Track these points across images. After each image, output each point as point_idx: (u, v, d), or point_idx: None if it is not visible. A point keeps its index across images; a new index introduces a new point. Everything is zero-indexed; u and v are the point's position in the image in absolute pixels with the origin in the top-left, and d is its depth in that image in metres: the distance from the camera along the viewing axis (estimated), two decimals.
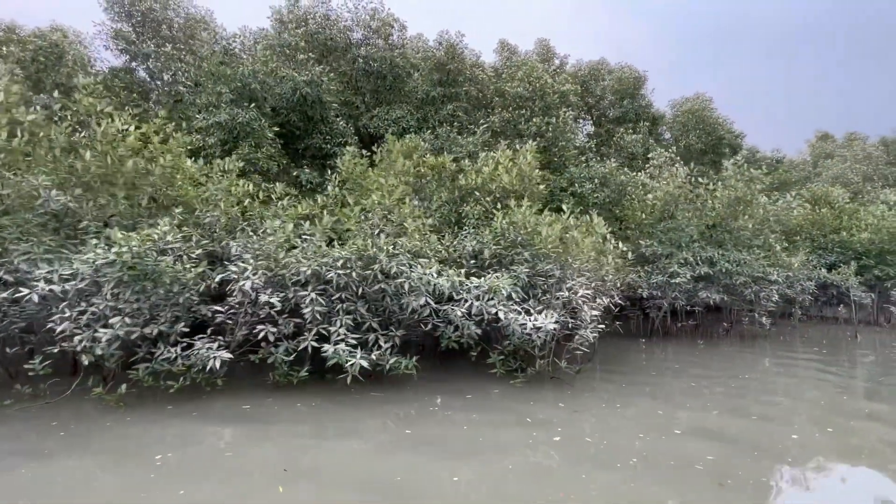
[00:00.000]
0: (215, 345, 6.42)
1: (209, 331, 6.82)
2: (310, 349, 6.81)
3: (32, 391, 6.51)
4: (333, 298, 7.15)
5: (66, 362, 7.39)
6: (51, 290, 5.96)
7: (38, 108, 7.51)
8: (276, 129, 12.17)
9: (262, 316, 6.96)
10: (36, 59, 13.89)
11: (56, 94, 8.37)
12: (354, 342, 6.81)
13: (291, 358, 6.86)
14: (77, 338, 5.84)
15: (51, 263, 6.34)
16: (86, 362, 5.95)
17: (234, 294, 6.87)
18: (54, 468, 4.31)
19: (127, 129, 7.68)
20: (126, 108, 9.73)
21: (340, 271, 7.06)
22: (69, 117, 7.63)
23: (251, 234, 7.90)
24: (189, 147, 9.52)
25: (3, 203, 6.68)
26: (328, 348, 6.53)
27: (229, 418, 5.75)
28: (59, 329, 5.93)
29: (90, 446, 4.81)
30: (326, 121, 13.86)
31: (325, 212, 8.70)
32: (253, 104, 11.51)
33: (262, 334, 6.71)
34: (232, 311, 6.98)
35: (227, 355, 6.29)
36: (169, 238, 6.80)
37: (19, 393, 6.41)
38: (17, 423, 5.42)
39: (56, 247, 6.67)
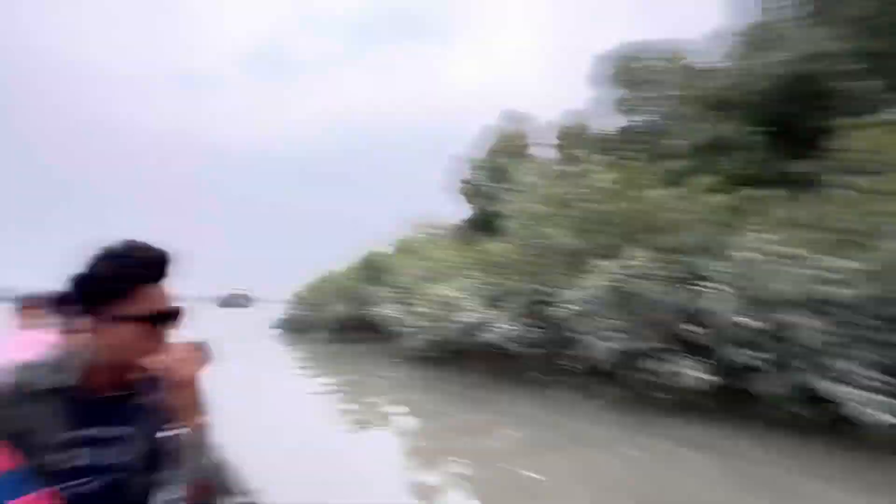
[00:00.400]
0: (693, 364, 6.52)
1: (689, 350, 6.98)
2: (807, 386, 5.55)
3: (567, 383, 8.96)
4: (839, 323, 5.53)
5: (588, 364, 9.65)
6: (570, 310, 8.16)
7: (559, 180, 10.58)
8: (757, 128, 10.80)
9: (742, 339, 6.39)
10: (563, 138, 19.34)
11: (571, 164, 11.44)
12: (881, 385, 4.95)
13: (782, 392, 5.83)
14: (589, 347, 7.64)
15: (570, 289, 8.68)
16: (597, 367, 7.65)
17: (709, 315, 6.73)
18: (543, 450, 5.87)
19: (613, 179, 9.38)
20: (614, 157, 11.77)
21: (848, 289, 5.42)
22: (572, 179, 10.25)
23: (727, 251, 7.46)
24: (663, 176, 10.25)
25: (541, 250, 9.84)
26: (830, 387, 5.12)
27: (702, 443, 5.65)
28: (577, 339, 7.99)
29: (585, 436, 6.17)
30: (835, 92, 10.80)
31: (823, 211, 6.89)
32: (725, 112, 10.86)
33: (741, 359, 6.16)
34: (709, 331, 6.83)
35: (702, 376, 6.23)
36: (646, 264, 7.65)
37: (556, 381, 9.00)
38: (549, 402, 7.71)
39: (571, 277, 9.03)
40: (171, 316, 1.10)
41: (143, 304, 1.05)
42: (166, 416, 1.08)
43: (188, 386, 1.06)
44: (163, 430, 1.10)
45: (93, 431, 1.03)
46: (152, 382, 1.11)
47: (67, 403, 1.02)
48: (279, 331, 24.07)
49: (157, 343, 1.07)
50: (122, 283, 1.04)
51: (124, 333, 1.04)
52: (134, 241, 1.07)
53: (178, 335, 1.12)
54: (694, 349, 7.06)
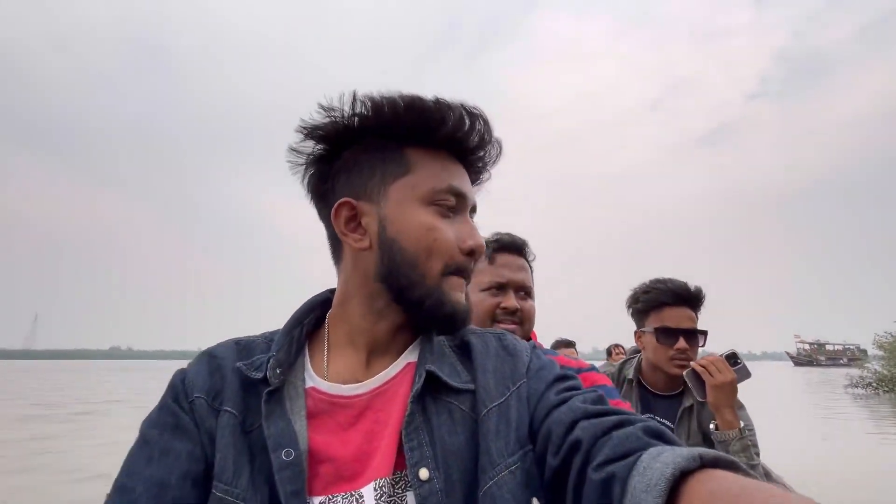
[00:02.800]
0: None
1: None
2: None
3: None
4: None
5: None
6: None
7: None
8: None
9: None
10: None
11: None
12: None
13: None
14: None
15: None
16: None
17: None
18: None
19: None
20: None
21: None
22: None
23: None
24: None
25: None
26: None
27: None
28: None
29: None
30: None
31: None
32: None
33: None
34: None
35: None
36: None
37: None
38: None
39: None
40: (691, 333, 1.41)
41: (667, 321, 1.44)
42: (708, 416, 1.33)
43: (724, 389, 1.26)
44: (704, 428, 1.35)
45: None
46: (698, 384, 1.33)
47: (641, 392, 1.43)
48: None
49: (681, 351, 1.40)
50: (651, 303, 1.44)
51: (652, 341, 1.44)
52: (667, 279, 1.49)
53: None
54: None
